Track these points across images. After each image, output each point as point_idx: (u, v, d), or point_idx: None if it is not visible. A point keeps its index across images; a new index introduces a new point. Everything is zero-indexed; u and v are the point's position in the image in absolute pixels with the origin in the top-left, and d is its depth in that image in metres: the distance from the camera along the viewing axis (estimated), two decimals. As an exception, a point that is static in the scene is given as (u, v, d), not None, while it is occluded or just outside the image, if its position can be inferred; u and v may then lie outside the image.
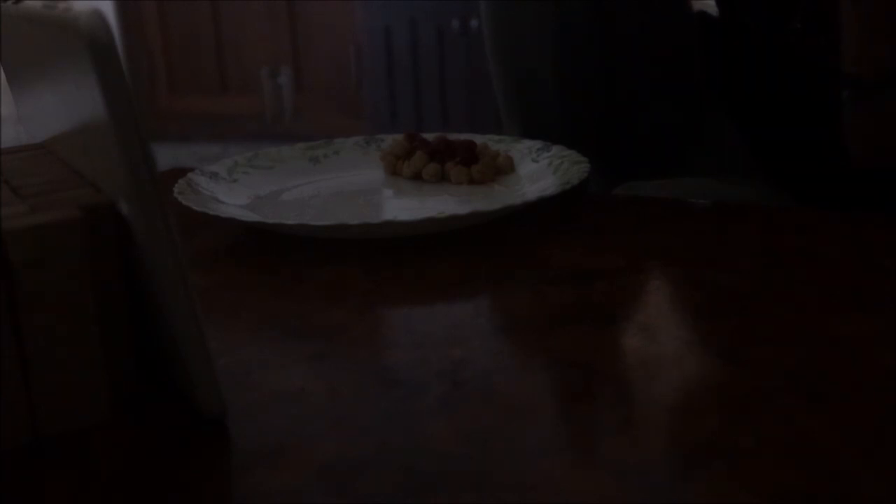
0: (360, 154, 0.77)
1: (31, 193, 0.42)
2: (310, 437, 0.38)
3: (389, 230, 0.60)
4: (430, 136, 0.76)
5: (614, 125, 0.82)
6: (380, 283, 0.55)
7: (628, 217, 0.66)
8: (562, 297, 0.52)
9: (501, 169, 0.72)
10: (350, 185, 0.72)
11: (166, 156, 2.78)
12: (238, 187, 0.70)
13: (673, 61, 0.83)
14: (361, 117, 3.14)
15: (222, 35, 3.40)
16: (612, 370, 0.44)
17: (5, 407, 0.37)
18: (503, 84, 0.84)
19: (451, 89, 2.89)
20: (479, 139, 0.75)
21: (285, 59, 3.32)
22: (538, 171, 0.70)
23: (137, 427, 0.40)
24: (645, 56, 0.81)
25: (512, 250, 0.59)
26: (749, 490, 0.34)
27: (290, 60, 3.32)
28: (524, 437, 0.38)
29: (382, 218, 0.65)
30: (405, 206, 0.69)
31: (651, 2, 0.78)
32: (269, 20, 3.32)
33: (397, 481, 0.35)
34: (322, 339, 0.48)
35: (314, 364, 0.45)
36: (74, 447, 0.38)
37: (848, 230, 0.60)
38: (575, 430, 0.39)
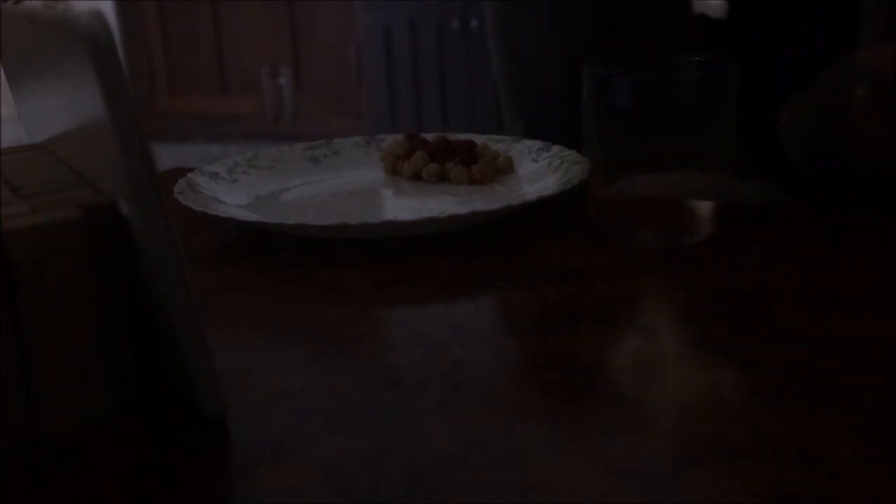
0: (360, 154, 0.77)
1: (31, 193, 0.42)
2: (310, 437, 0.38)
3: (389, 230, 0.60)
4: (430, 136, 0.75)
5: None
6: (380, 283, 0.55)
7: (628, 217, 0.65)
8: (562, 297, 0.52)
9: (501, 169, 0.72)
10: (350, 185, 0.72)
11: (166, 156, 2.78)
12: (238, 187, 0.70)
13: None
14: (361, 117, 3.14)
15: (222, 35, 3.40)
16: (612, 370, 0.44)
17: (5, 407, 0.37)
18: (507, 84, 0.84)
19: (451, 89, 2.89)
20: (479, 139, 0.75)
21: (285, 59, 3.32)
22: (538, 171, 0.70)
23: (137, 427, 0.40)
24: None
25: (512, 250, 0.59)
26: (749, 490, 0.34)
27: (290, 60, 3.32)
28: (524, 437, 0.38)
29: (382, 218, 0.65)
30: (405, 206, 0.69)
31: (656, 3, 0.78)
32: (269, 20, 3.32)
33: (397, 481, 0.35)
34: (322, 339, 0.48)
35: (314, 364, 0.45)
36: (74, 447, 0.38)
37: (848, 231, 0.60)
38: (575, 431, 0.39)
